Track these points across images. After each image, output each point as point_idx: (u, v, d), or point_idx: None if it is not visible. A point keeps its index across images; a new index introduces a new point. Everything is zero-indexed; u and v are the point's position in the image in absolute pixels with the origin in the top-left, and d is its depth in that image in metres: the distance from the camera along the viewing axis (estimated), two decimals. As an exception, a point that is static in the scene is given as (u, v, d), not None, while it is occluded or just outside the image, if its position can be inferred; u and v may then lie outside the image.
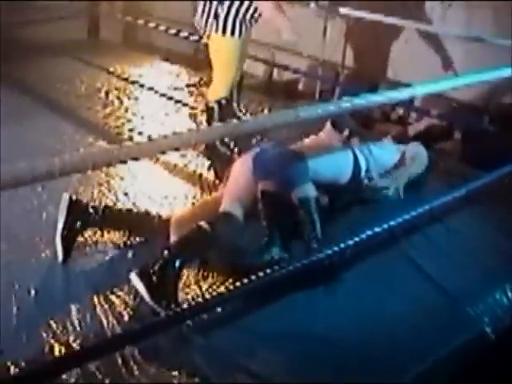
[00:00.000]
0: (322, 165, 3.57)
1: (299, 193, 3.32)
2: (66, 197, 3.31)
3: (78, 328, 2.76)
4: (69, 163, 1.57)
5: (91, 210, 3.34)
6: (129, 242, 3.44)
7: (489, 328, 3.02)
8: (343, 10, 6.32)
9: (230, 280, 3.09)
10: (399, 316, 2.97)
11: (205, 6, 4.38)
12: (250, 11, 4.34)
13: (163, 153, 3.44)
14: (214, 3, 4.31)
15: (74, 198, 3.35)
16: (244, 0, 4.28)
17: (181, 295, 2.95)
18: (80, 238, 3.36)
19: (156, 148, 1.78)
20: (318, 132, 4.10)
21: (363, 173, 3.80)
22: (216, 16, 4.32)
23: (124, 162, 1.70)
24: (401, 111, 6.40)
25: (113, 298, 2.98)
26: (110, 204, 3.78)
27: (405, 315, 2.98)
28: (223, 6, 4.30)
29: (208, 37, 4.46)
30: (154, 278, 2.85)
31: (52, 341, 2.66)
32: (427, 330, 2.90)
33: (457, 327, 2.96)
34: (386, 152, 4.03)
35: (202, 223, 3.09)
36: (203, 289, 3.06)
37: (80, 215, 3.31)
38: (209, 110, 4.62)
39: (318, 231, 3.27)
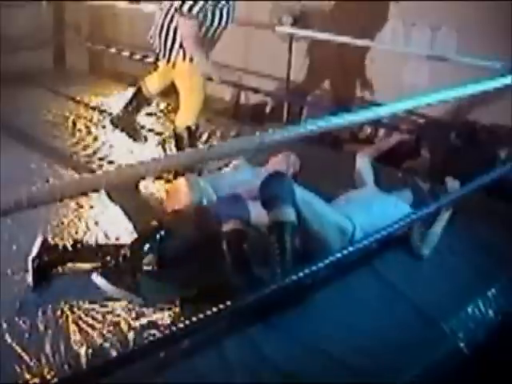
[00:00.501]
0: (316, 221, 3.36)
1: (276, 216, 3.20)
2: (38, 240, 3.35)
3: (51, 359, 2.73)
4: (37, 195, 1.56)
5: (61, 249, 3.38)
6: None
7: (463, 343, 3.04)
8: (306, 33, 6.39)
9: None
10: (374, 333, 2.97)
11: (168, 34, 4.39)
12: (214, 37, 4.40)
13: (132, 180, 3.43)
14: (178, 32, 4.33)
15: (45, 239, 3.42)
16: (208, 27, 4.32)
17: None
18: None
19: (125, 176, 1.77)
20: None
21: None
22: (181, 45, 4.33)
23: (95, 191, 1.69)
24: (368, 130, 6.45)
25: (86, 327, 2.96)
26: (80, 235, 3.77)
27: (379, 332, 2.99)
28: None
29: (173, 65, 4.46)
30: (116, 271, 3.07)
31: (26, 374, 2.63)
32: (402, 347, 2.90)
33: (431, 343, 2.97)
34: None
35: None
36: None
37: (51, 254, 3.34)
38: (178, 137, 4.63)
39: (286, 262, 3.09)
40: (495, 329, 3.27)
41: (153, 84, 4.93)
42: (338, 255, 3.10)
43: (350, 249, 3.20)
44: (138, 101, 4.98)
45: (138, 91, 4.98)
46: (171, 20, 4.36)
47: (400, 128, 5.81)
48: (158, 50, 4.52)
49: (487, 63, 4.64)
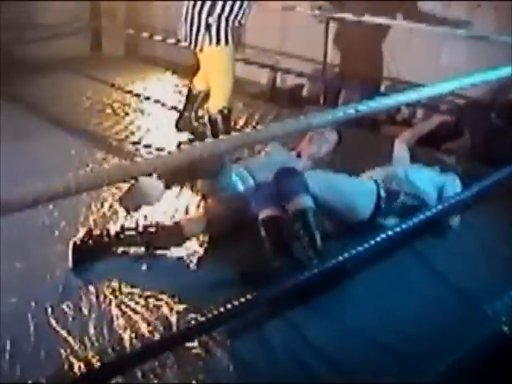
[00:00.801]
0: (338, 199, 3.44)
1: (294, 205, 3.23)
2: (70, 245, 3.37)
3: (96, 343, 2.76)
4: (84, 180, 1.57)
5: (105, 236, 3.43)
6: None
7: (506, 326, 3.01)
8: (341, 14, 6.34)
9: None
10: (416, 317, 2.97)
11: (193, 19, 4.41)
12: (238, 18, 4.39)
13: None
14: (203, 15, 4.34)
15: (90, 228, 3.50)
16: (231, 8, 4.32)
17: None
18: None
19: (169, 162, 1.78)
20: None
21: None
22: (208, 28, 4.35)
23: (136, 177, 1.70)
24: (406, 112, 6.40)
25: (129, 311, 2.99)
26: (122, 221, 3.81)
27: (422, 316, 2.98)
28: (214, 17, 4.33)
29: (201, 49, 4.47)
30: None
31: (71, 357, 2.67)
32: (445, 331, 2.89)
33: (474, 326, 2.95)
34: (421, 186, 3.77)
35: None
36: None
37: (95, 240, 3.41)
38: (212, 122, 4.63)
39: (317, 245, 3.14)
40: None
41: (199, 81, 4.99)
42: (378, 238, 3.09)
43: (390, 232, 3.19)
44: (192, 101, 5.09)
45: (189, 92, 5.11)
46: (194, 5, 4.39)
47: (439, 109, 5.75)
48: (185, 39, 4.55)
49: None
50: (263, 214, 3.31)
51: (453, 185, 3.81)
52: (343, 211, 3.47)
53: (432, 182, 3.76)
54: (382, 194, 3.55)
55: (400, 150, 4.25)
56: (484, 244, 3.62)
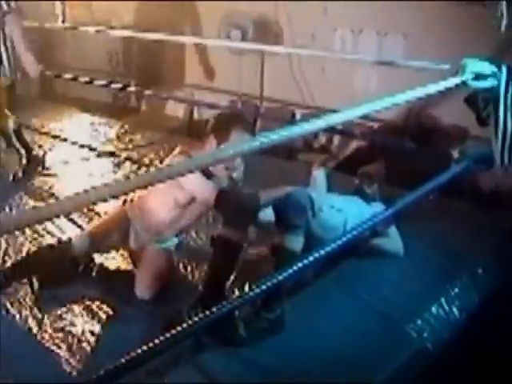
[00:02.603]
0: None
1: (286, 241, 3.17)
2: None
3: None
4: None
5: None
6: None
7: (429, 343, 3.06)
8: (255, 46, 6.45)
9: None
10: (341, 341, 2.99)
11: None
12: None
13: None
14: None
15: None
16: None
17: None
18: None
19: (85, 201, 1.75)
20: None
21: None
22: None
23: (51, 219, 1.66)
24: (323, 139, 6.50)
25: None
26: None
27: (346, 340, 3.01)
28: None
29: None
30: None
31: None
32: (369, 353, 2.92)
33: (398, 346, 2.99)
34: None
35: None
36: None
37: None
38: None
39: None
40: (460, 326, 3.30)
41: None
42: (300, 264, 3.10)
43: (311, 257, 3.19)
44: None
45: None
46: None
47: (354, 135, 5.86)
48: None
49: (435, 66, 4.70)
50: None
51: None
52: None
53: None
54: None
55: (317, 175, 4.30)
56: (402, 264, 3.69)
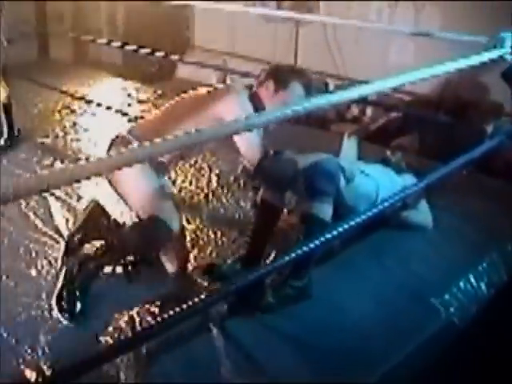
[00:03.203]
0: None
1: (313, 209, 3.13)
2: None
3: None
4: (24, 185, 1.55)
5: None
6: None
7: (456, 318, 3.06)
8: (290, 15, 6.39)
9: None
10: (367, 314, 2.99)
11: None
12: None
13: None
14: None
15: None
16: None
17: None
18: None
19: (114, 164, 1.77)
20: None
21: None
22: None
23: (79, 180, 1.67)
24: (356, 110, 6.46)
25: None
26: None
27: (373, 313, 3.01)
28: None
29: None
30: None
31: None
32: (395, 325, 2.93)
33: (425, 320, 2.99)
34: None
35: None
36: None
37: None
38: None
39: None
40: (487, 302, 3.29)
41: None
42: (328, 235, 3.09)
43: (340, 228, 3.18)
44: None
45: None
46: None
47: (388, 107, 5.82)
48: None
49: (472, 38, 4.62)
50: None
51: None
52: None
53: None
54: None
55: (348, 143, 4.27)
56: (432, 237, 3.67)
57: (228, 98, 3.17)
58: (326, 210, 3.12)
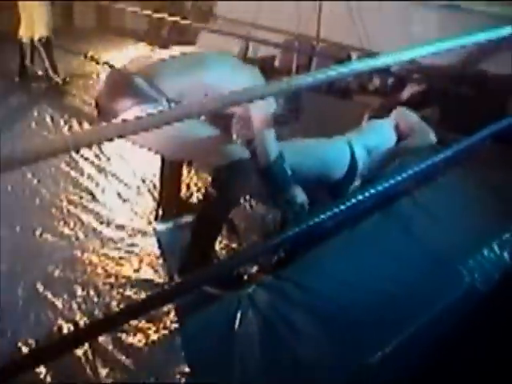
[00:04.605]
0: (312, 159, 3.54)
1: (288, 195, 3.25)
2: None
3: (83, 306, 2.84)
4: (50, 146, 1.60)
5: None
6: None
7: (479, 284, 3.12)
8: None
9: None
10: (393, 277, 3.04)
11: None
12: None
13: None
14: None
15: None
16: None
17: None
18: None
19: (142, 125, 1.81)
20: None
21: (361, 165, 3.78)
22: None
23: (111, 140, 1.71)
24: (377, 82, 6.47)
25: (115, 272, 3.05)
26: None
27: (398, 276, 3.05)
28: None
29: None
30: None
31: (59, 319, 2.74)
32: (420, 289, 2.97)
33: (449, 284, 3.05)
34: (382, 135, 4.03)
35: None
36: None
37: None
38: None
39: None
40: (509, 271, 3.34)
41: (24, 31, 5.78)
42: (354, 200, 3.13)
43: (365, 194, 3.22)
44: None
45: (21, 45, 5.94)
46: None
47: (410, 78, 5.83)
48: None
49: (500, 12, 4.63)
50: None
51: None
52: (317, 172, 3.52)
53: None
54: (357, 150, 3.67)
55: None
56: (455, 206, 3.72)
57: None
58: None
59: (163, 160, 3.37)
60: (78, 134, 1.72)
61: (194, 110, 1.91)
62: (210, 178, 2.92)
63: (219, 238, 3.24)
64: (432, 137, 4.10)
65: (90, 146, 3.19)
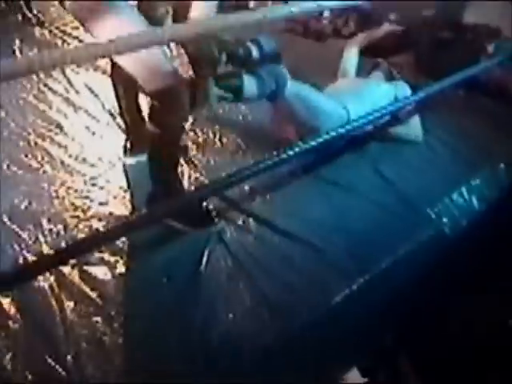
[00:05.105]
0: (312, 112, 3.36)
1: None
2: None
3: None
4: (48, 59, 1.56)
5: None
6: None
7: (447, 228, 3.14)
8: None
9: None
10: (363, 218, 3.06)
11: None
12: None
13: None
14: None
15: None
16: None
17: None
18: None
19: (132, 45, 1.77)
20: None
21: None
22: None
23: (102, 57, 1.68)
24: (352, 26, 6.38)
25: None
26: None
27: (368, 217, 3.07)
28: None
29: None
30: None
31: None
32: (388, 231, 2.99)
33: (417, 227, 3.07)
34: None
35: None
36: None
37: None
38: None
39: None
40: (478, 216, 3.36)
41: None
42: (327, 136, 3.11)
43: (339, 131, 3.21)
44: None
45: None
46: None
47: (386, 23, 5.75)
48: None
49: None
50: None
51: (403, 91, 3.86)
52: (310, 128, 3.34)
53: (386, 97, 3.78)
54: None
55: (350, 53, 4.24)
56: (426, 151, 3.72)
57: None
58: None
59: (117, 93, 3.28)
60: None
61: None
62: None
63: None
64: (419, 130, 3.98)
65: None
